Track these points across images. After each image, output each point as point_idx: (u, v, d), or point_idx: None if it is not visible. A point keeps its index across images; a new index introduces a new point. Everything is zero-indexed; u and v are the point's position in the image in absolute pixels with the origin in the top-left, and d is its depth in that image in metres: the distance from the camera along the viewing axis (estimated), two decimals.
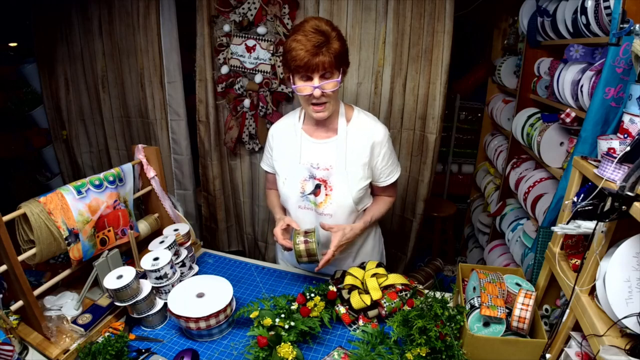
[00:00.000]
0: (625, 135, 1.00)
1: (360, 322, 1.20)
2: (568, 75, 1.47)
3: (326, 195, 1.32)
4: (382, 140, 1.31)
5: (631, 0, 1.12)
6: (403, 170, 2.27)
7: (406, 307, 1.15)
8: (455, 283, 1.26)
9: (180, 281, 1.28)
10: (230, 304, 1.17)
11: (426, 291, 1.21)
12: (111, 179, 1.33)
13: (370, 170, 1.34)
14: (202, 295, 1.19)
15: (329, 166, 1.31)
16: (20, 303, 1.10)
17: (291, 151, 1.36)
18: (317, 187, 1.33)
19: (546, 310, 1.14)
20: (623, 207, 0.72)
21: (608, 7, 1.24)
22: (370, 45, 2.06)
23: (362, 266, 1.32)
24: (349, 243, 1.32)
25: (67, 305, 1.23)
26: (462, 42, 2.99)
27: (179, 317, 1.12)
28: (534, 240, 1.72)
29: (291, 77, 1.24)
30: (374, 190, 1.45)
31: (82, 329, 1.14)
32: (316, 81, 1.17)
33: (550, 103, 1.71)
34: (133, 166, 1.45)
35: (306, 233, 1.26)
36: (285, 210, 1.45)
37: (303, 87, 1.20)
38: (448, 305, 1.06)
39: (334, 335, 1.19)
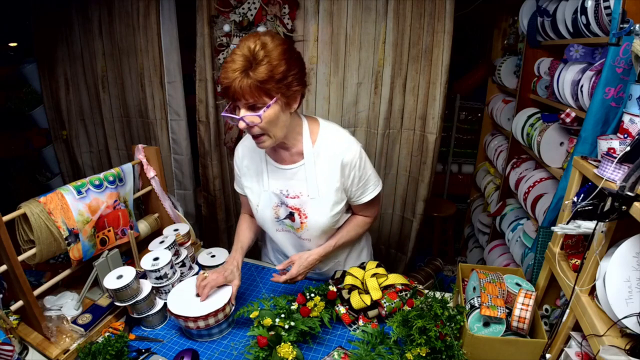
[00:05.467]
0: (625, 135, 1.00)
1: (360, 322, 1.20)
2: (568, 75, 1.47)
3: (302, 223, 1.23)
4: (351, 160, 1.16)
5: (631, 0, 1.12)
6: (403, 170, 2.27)
7: (406, 307, 1.15)
8: (455, 283, 1.26)
9: (180, 281, 1.28)
10: (228, 302, 1.17)
11: (426, 291, 1.21)
12: (111, 179, 1.33)
13: (344, 192, 1.23)
14: None
15: (298, 193, 1.21)
16: (20, 303, 1.10)
17: (257, 176, 1.25)
18: (291, 214, 1.25)
19: (546, 310, 1.14)
20: (623, 207, 0.72)
21: (608, 7, 1.24)
22: (370, 45, 2.06)
23: (362, 266, 1.32)
24: (311, 267, 1.25)
25: (67, 305, 1.23)
26: (462, 42, 2.99)
27: (178, 316, 1.12)
28: (534, 240, 1.72)
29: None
30: (351, 207, 1.33)
31: (82, 329, 1.14)
32: (242, 111, 1.01)
33: (550, 103, 1.71)
34: (133, 166, 1.45)
35: None
36: (247, 247, 1.35)
37: (230, 117, 1.02)
38: (448, 305, 1.06)
39: (334, 335, 1.19)
